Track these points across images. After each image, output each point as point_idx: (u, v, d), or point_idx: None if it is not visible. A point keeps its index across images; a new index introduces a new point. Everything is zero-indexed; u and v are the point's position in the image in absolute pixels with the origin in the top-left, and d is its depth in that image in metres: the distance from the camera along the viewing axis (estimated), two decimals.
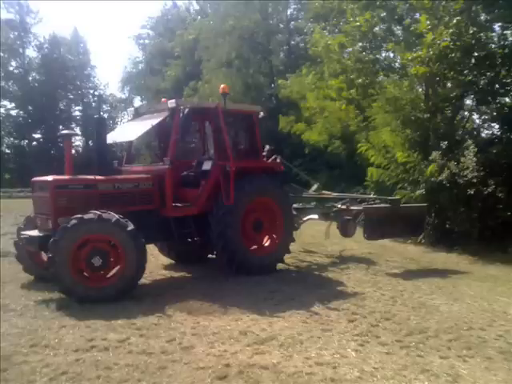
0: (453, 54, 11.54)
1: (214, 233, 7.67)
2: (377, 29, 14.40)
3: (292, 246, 8.76)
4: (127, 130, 8.91)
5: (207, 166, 8.00)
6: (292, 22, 29.24)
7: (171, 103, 7.71)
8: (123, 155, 9.26)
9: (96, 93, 46.06)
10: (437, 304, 6.47)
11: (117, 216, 6.33)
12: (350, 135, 16.83)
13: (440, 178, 11.14)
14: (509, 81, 11.92)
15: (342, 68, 14.75)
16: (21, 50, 43.21)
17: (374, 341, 5.02)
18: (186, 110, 7.84)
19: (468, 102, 13.92)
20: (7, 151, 42.10)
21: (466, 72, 11.97)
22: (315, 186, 10.88)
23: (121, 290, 6.32)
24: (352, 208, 9.84)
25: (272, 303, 6.38)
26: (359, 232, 9.55)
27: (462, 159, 11.03)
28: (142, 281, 6.95)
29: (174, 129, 7.62)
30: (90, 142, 41.42)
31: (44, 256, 6.90)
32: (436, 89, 12.65)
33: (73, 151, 10.59)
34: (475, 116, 14.39)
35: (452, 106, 12.81)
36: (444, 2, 12.07)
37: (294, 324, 5.53)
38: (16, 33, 42.39)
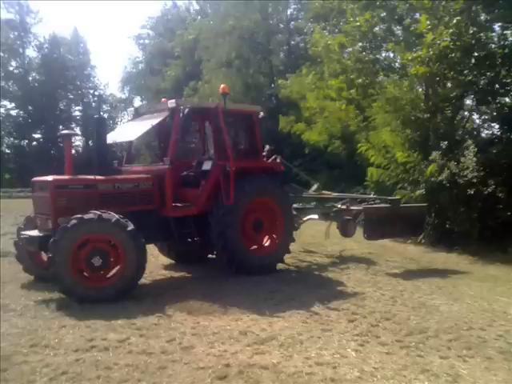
0: (453, 54, 11.54)
1: (214, 233, 7.67)
2: (377, 29, 14.40)
3: (292, 246, 8.75)
4: (127, 130, 8.91)
5: (207, 166, 8.00)
6: (292, 22, 29.24)
7: (171, 103, 7.71)
8: (123, 155, 9.26)
9: (96, 93, 46.16)
10: (437, 304, 6.47)
11: (117, 216, 6.33)
12: (350, 135, 16.83)
13: (440, 178, 11.14)
14: (509, 81, 11.92)
15: (342, 68, 14.75)
16: (21, 50, 43.22)
17: (373, 341, 5.02)
18: (186, 110, 7.84)
19: (468, 102, 13.94)
20: (7, 151, 42.11)
21: (466, 72, 11.97)
22: (315, 186, 10.88)
23: (121, 289, 6.32)
24: (352, 208, 9.83)
25: (272, 303, 6.37)
26: (359, 232, 9.55)
27: (462, 159, 11.03)
28: (142, 281, 6.95)
29: (174, 129, 7.62)
30: (90, 142, 41.42)
31: (44, 256, 6.90)
32: (436, 89, 12.65)
33: (73, 151, 10.58)
34: (475, 116, 14.41)
35: (452, 106, 12.81)
36: (444, 2, 12.07)
37: (293, 324, 5.53)
38: (16, 33, 42.39)
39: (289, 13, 29.40)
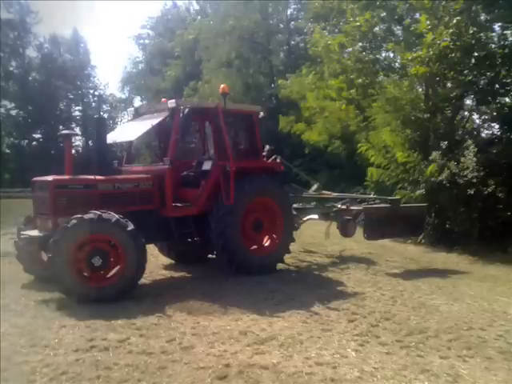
0: (453, 54, 11.54)
1: (213, 233, 7.66)
2: (377, 29, 14.39)
3: (292, 246, 8.75)
4: (127, 130, 8.91)
5: (207, 166, 8.00)
6: (292, 22, 29.22)
7: (171, 103, 7.71)
8: (123, 155, 9.26)
9: (96, 93, 46.12)
10: (437, 304, 6.47)
11: (117, 216, 6.33)
12: (350, 135, 16.82)
13: (440, 178, 11.14)
14: (509, 81, 11.92)
15: (342, 68, 14.74)
16: (21, 50, 43.15)
17: (373, 341, 5.02)
18: (186, 110, 7.84)
19: (468, 102, 13.95)
20: (7, 151, 42.01)
21: (466, 72, 11.98)
22: (315, 186, 10.88)
23: (121, 289, 6.32)
24: (352, 208, 9.83)
25: (272, 303, 6.38)
26: (359, 232, 9.55)
27: (462, 159, 11.03)
28: (142, 281, 6.95)
29: (174, 129, 7.62)
30: (90, 142, 41.39)
31: (44, 256, 6.89)
32: (436, 89, 12.65)
33: (73, 151, 10.59)
34: (475, 116, 14.42)
35: (452, 106, 12.81)
36: (444, 2, 12.07)
37: (293, 324, 5.53)
38: (16, 33, 42.32)
39: (289, 13, 29.41)
